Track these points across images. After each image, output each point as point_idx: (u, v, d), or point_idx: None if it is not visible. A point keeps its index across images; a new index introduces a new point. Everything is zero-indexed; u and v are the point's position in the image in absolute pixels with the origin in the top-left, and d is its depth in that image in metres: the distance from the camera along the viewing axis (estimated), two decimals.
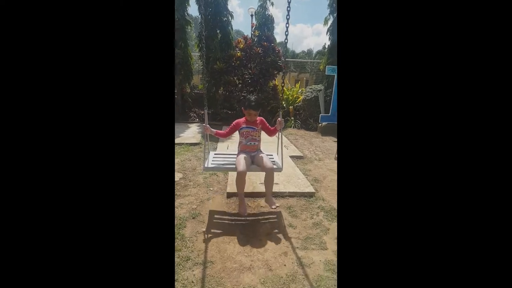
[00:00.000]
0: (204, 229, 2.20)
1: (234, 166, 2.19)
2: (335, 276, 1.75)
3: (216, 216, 2.43)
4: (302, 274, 1.76)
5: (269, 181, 2.19)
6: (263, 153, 2.31)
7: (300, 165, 3.82)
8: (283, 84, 2.88)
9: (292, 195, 2.83)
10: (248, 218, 2.37)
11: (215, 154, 2.57)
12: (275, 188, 2.49)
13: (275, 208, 2.18)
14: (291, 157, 3.98)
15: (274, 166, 2.25)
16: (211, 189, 2.96)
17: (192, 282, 1.66)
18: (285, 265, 1.85)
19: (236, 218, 2.38)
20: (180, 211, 2.47)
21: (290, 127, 6.74)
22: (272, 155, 2.57)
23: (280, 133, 2.30)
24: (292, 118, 6.97)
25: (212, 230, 2.20)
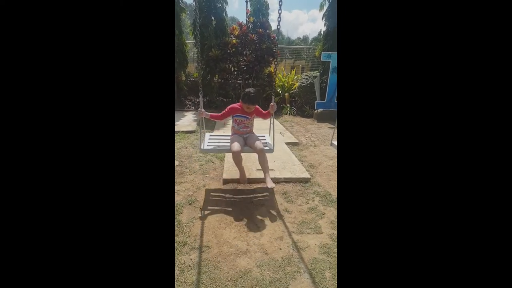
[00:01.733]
0: (200, 215, 2.15)
1: (229, 148, 2.32)
2: (330, 259, 1.77)
3: (212, 202, 2.36)
4: (297, 257, 1.78)
5: (263, 162, 2.26)
6: (254, 135, 2.43)
7: (296, 152, 3.81)
8: (275, 71, 3.24)
9: (287, 181, 2.73)
10: (244, 203, 2.35)
11: (210, 135, 2.68)
12: (271, 174, 2.56)
13: (272, 188, 2.18)
14: (287, 144, 3.92)
15: (266, 148, 2.34)
16: (207, 176, 2.95)
17: (189, 266, 1.67)
18: (280, 248, 1.86)
19: (232, 200, 2.39)
20: (177, 198, 2.46)
21: (286, 114, 6.63)
22: (264, 136, 2.68)
23: (272, 117, 2.40)
24: (288, 105, 6.84)
25: (209, 216, 2.18)
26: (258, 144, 2.28)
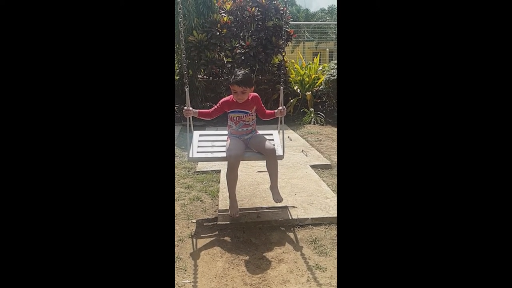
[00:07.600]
0: (187, 281, 1.60)
1: (225, 154, 1.96)
2: None
3: (203, 260, 1.78)
4: None
5: (272, 168, 1.95)
6: (260, 135, 2.05)
7: (328, 178, 2.77)
8: (283, 56, 2.59)
9: (317, 222, 2.13)
10: (253, 259, 1.81)
11: (200, 135, 2.23)
12: (292, 212, 2.13)
13: (278, 202, 1.97)
14: (314, 167, 3.07)
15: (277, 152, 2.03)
16: (193, 221, 2.17)
17: None
18: None
19: (234, 255, 1.82)
20: None
21: (309, 122, 4.84)
22: (271, 134, 2.26)
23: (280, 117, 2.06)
24: (312, 109, 4.92)
25: (201, 281, 1.61)
26: (268, 144, 1.93)
